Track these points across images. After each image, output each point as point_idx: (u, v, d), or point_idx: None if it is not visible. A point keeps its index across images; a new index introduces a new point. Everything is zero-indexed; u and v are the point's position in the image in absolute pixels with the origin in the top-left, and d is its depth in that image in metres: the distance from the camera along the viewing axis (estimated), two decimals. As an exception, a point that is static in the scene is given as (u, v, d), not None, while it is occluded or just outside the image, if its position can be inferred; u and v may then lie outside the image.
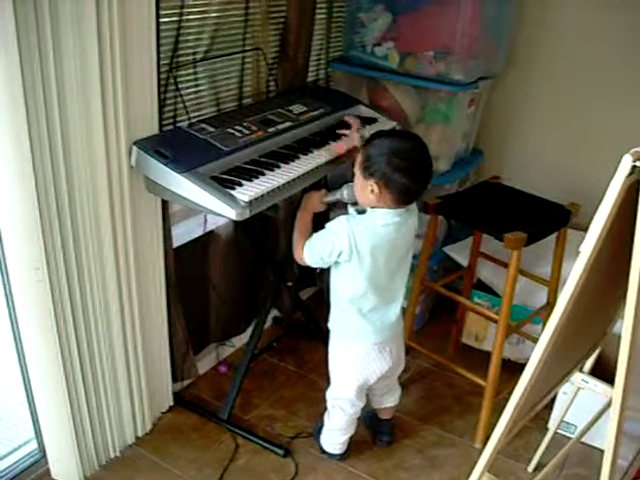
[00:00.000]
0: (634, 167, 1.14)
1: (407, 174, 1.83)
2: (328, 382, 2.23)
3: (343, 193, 1.99)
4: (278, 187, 1.91)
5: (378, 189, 1.84)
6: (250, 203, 1.80)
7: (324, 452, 2.33)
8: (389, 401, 2.34)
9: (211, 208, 1.80)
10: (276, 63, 2.54)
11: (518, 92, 3.03)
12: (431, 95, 2.69)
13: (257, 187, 1.85)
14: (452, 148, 2.81)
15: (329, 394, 2.25)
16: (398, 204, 1.89)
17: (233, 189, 1.82)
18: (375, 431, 2.42)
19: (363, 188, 1.88)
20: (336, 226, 1.91)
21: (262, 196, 1.84)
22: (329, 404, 2.26)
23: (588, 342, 1.87)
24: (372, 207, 1.90)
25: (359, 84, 2.83)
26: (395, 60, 2.67)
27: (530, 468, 2.29)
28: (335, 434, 2.28)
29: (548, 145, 3.03)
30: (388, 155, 1.82)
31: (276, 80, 2.55)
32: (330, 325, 2.15)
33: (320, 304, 3.22)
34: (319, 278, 3.29)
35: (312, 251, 1.98)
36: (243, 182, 1.86)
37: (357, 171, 1.90)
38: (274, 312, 3.07)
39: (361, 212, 1.95)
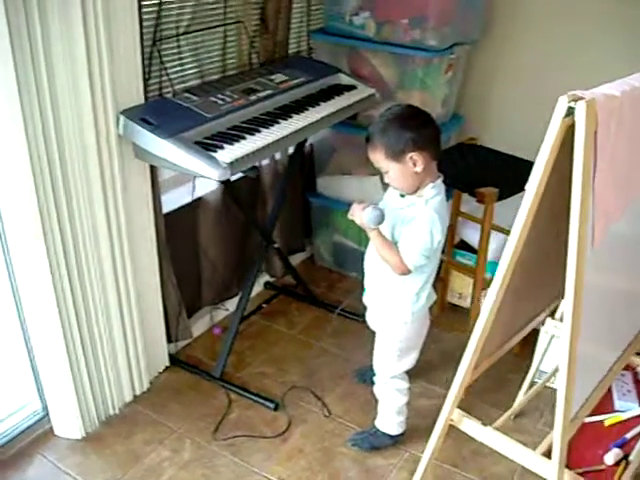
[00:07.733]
0: (570, 109, 1.20)
1: (426, 123, 1.84)
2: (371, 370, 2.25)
3: (370, 224, 1.87)
4: (258, 149, 2.00)
5: (419, 156, 1.78)
6: (231, 164, 1.90)
7: (380, 441, 2.28)
8: None
9: (195, 170, 1.90)
10: (257, 36, 2.61)
11: (497, 57, 3.11)
12: (408, 62, 2.76)
13: (238, 150, 1.96)
14: (431, 113, 2.87)
15: (383, 377, 2.18)
16: (437, 158, 1.85)
17: (215, 152, 1.92)
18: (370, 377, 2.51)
19: (405, 172, 1.82)
20: (429, 221, 1.82)
21: (242, 157, 1.94)
22: (384, 389, 2.21)
23: (554, 287, 1.95)
24: (419, 186, 1.86)
25: (340, 54, 2.91)
26: (372, 29, 2.74)
27: (511, 416, 2.38)
28: (400, 416, 2.25)
29: (526, 107, 3.07)
30: (400, 122, 1.81)
31: (258, 52, 2.63)
32: (392, 302, 2.03)
33: (311, 269, 3.35)
34: (309, 244, 3.40)
35: (414, 256, 1.86)
36: (225, 145, 1.96)
37: (387, 165, 1.83)
38: (265, 277, 3.17)
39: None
